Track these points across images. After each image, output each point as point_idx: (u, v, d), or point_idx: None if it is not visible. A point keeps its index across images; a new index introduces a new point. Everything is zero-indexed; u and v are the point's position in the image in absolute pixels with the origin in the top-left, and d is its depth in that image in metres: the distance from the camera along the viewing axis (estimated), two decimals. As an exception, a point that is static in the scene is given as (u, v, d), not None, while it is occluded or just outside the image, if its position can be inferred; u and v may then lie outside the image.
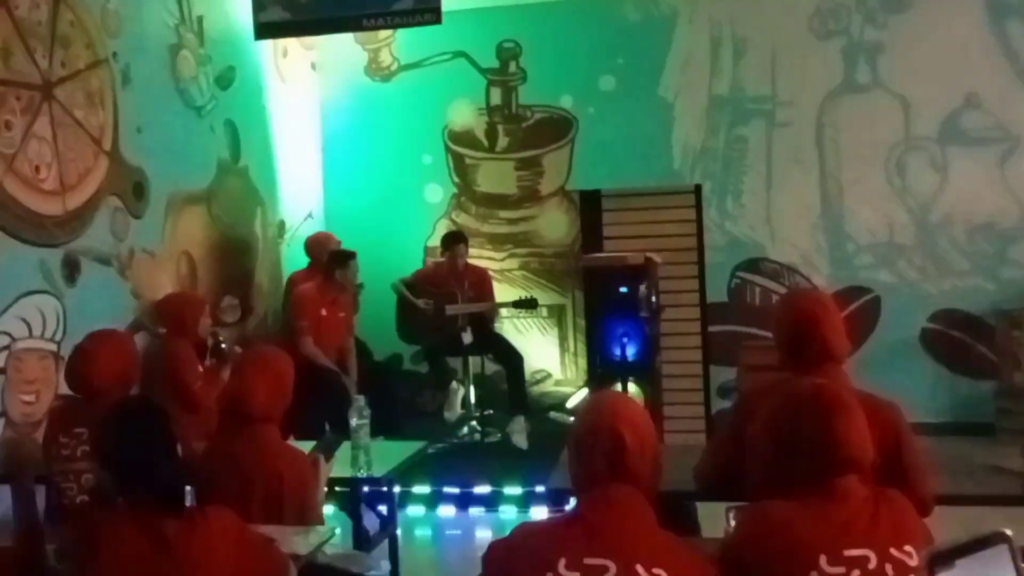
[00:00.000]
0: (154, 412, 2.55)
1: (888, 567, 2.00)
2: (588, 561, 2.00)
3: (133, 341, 4.09)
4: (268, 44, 7.18)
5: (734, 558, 2.13)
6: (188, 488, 2.97)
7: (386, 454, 4.15)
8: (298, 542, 2.93)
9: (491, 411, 6.99)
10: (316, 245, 7.21)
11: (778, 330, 3.12)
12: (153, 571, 2.35)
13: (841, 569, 2.00)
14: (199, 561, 2.39)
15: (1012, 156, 7.27)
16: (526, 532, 2.20)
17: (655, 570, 1.99)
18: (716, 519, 2.88)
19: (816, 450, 2.14)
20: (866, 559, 2.01)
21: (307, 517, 3.22)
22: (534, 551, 2.09)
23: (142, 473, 2.45)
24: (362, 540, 3.78)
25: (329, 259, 6.69)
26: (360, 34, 7.72)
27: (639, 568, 1.98)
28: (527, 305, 6.89)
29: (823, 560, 2.01)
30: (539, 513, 5.54)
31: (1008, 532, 1.54)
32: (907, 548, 2.04)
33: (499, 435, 6.78)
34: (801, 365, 2.95)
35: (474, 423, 6.95)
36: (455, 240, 7.05)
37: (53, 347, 5.04)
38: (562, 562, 2.01)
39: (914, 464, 2.83)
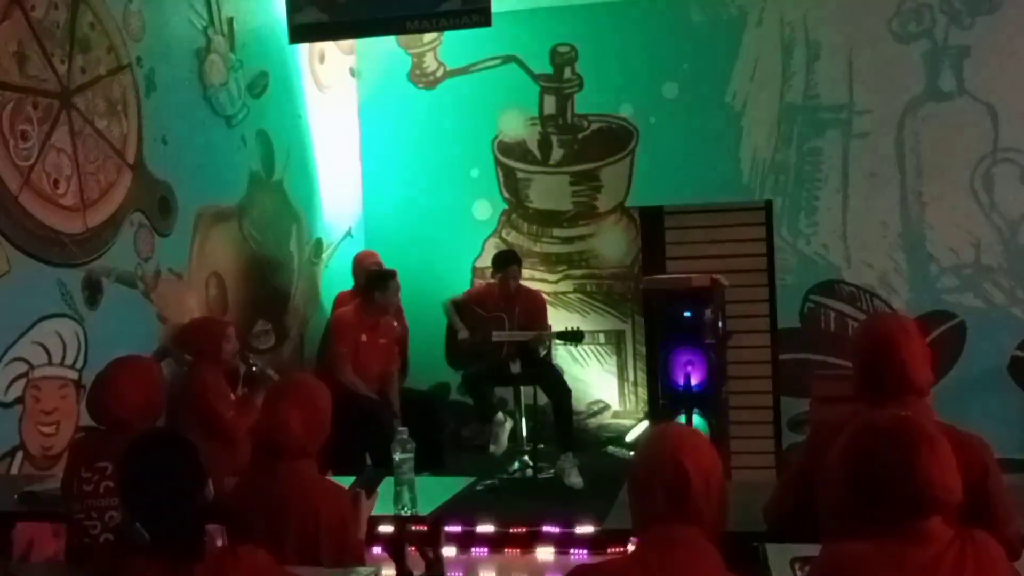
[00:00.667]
0: (181, 445, 2.53)
1: None
2: None
3: (159, 369, 4.08)
4: (303, 48, 7.25)
5: None
6: (218, 527, 2.95)
7: (431, 491, 4.11)
8: (339, 584, 2.89)
9: (543, 445, 6.93)
10: (356, 265, 7.24)
11: (855, 357, 3.12)
12: None
13: None
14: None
15: (1111, 169, 7.28)
16: (586, 574, 2.21)
17: None
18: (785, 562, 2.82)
19: (898, 489, 2.11)
20: None
21: (346, 558, 3.19)
22: None
23: (167, 512, 2.43)
24: (406, 583, 3.75)
25: (367, 280, 6.70)
26: (403, 37, 7.79)
27: None
28: (572, 337, 6.81)
29: None
30: (596, 555, 5.46)
31: None
32: None
33: (552, 471, 6.72)
34: (879, 396, 2.96)
35: (526, 458, 6.90)
36: (508, 261, 7.00)
37: (74, 375, 5.09)
38: None
39: (1002, 503, 2.84)
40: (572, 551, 5.74)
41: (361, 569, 3.15)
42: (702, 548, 2.12)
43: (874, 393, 2.98)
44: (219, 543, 2.77)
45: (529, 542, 5.84)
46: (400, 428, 4.07)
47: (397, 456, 3.85)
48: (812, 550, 2.38)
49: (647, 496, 2.18)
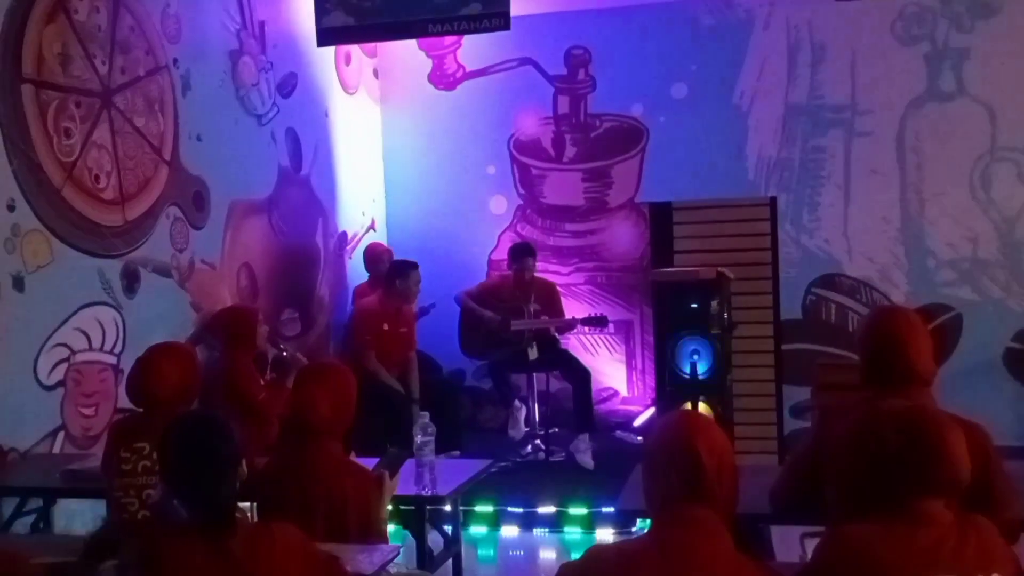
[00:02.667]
0: (217, 426, 2.54)
1: None
2: None
3: (195, 353, 4.10)
4: (330, 50, 7.27)
5: None
6: (251, 504, 2.99)
7: (449, 472, 4.14)
8: (362, 561, 2.91)
9: (555, 429, 6.95)
10: (372, 257, 7.25)
11: (862, 348, 3.11)
12: None
13: None
14: (264, 574, 2.39)
15: (1106, 168, 7.23)
16: (599, 555, 2.19)
17: None
18: (790, 543, 2.83)
19: (908, 469, 2.11)
20: None
21: (370, 535, 3.21)
22: (610, 574, 2.08)
23: (204, 489, 2.45)
24: (426, 559, 3.77)
25: (390, 270, 6.73)
26: (424, 40, 7.79)
27: None
28: (597, 323, 6.86)
29: None
30: (605, 534, 5.50)
31: None
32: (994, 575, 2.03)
33: (564, 454, 6.76)
34: (885, 386, 2.94)
35: (538, 441, 6.92)
36: (524, 253, 7.04)
37: (113, 359, 5.13)
38: None
39: (1002, 488, 2.83)
40: (584, 531, 5.77)
41: (384, 546, 3.16)
42: (715, 528, 2.10)
43: (880, 383, 2.97)
44: (251, 519, 2.82)
45: (543, 521, 5.87)
46: (421, 412, 4.11)
47: (419, 439, 3.89)
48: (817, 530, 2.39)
49: (661, 479, 2.16)
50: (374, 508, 3.28)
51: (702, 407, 6.15)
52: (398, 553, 3.19)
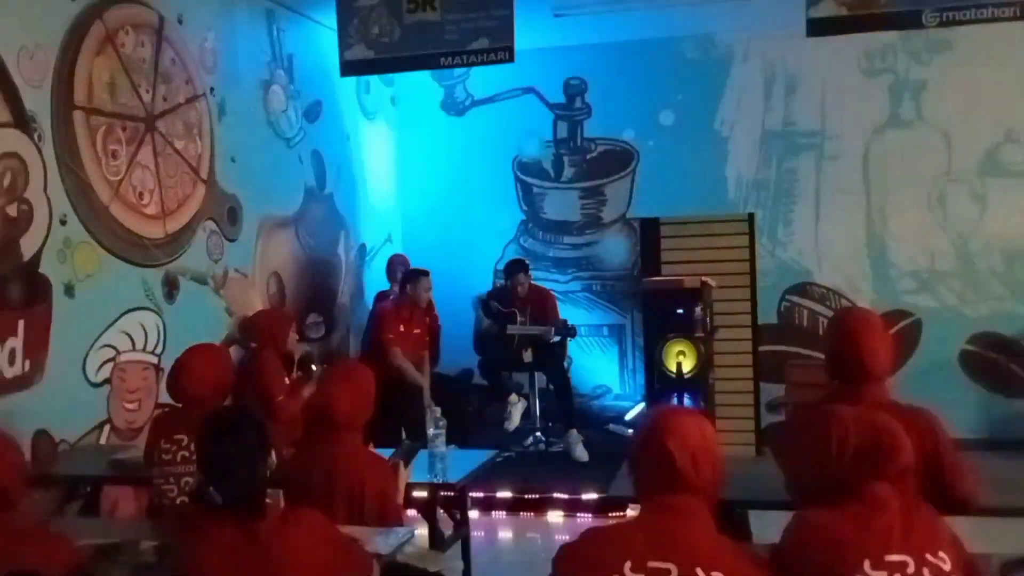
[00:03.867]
0: (250, 421, 2.52)
1: (925, 571, 1.98)
2: (651, 564, 1.97)
3: (228, 354, 4.11)
4: (352, 80, 7.24)
5: (782, 564, 2.08)
6: (278, 491, 2.96)
7: (459, 462, 4.11)
8: (379, 542, 2.90)
9: (553, 423, 6.93)
10: (389, 266, 7.24)
11: (825, 347, 3.09)
12: (249, 566, 2.33)
13: (883, 573, 1.97)
14: (292, 557, 2.37)
15: (1048, 188, 7.24)
16: (594, 536, 2.15)
17: (714, 573, 1.95)
18: (766, 526, 2.80)
19: (858, 461, 2.10)
20: (905, 564, 1.98)
21: (387, 519, 3.19)
22: (602, 554, 2.05)
23: (237, 478, 2.43)
24: (437, 541, 3.74)
25: (403, 277, 6.70)
26: (437, 71, 7.78)
27: (699, 571, 1.94)
28: (568, 332, 6.84)
29: (867, 564, 1.98)
30: (600, 519, 5.46)
31: None
32: (941, 555, 2.01)
33: (562, 445, 6.72)
34: (844, 381, 2.95)
35: (539, 434, 6.89)
36: (515, 270, 6.98)
37: (154, 359, 5.12)
38: (627, 565, 1.98)
39: (953, 465, 2.80)
40: (579, 515, 5.75)
41: (399, 529, 3.15)
42: (695, 513, 2.07)
43: (840, 378, 2.97)
44: (279, 505, 2.79)
45: (542, 507, 5.85)
46: (434, 407, 4.08)
47: (431, 431, 3.86)
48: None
49: (643, 472, 2.15)
50: (390, 494, 3.27)
51: (687, 403, 6.14)
52: (412, 535, 3.17)
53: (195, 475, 3.40)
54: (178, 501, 3.44)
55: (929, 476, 2.67)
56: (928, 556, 1.99)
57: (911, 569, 1.97)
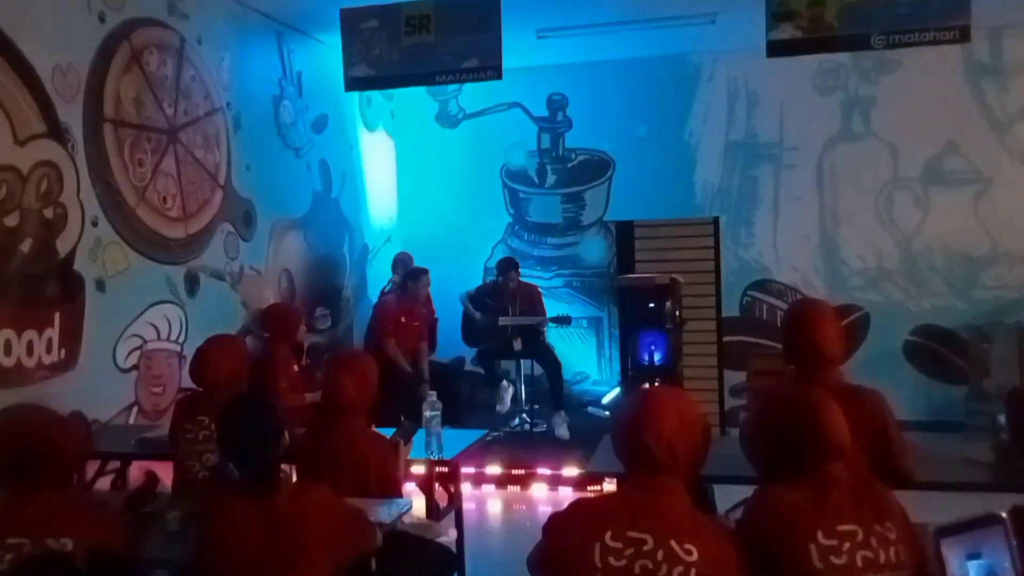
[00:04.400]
0: (266, 406, 2.55)
1: (872, 539, 2.01)
2: (630, 534, 1.99)
3: (245, 344, 4.11)
4: (355, 95, 7.25)
5: (746, 535, 2.11)
6: (292, 466, 2.99)
7: (452, 440, 4.12)
8: (382, 512, 2.92)
9: (538, 406, 6.94)
10: (394, 263, 7.25)
11: (784, 335, 3.08)
12: (265, 534, 2.35)
13: (835, 542, 2.00)
14: (305, 527, 2.39)
15: (984, 195, 7.25)
16: (579, 507, 2.17)
17: (686, 545, 1.97)
18: (729, 498, 2.81)
19: (801, 444, 2.13)
20: (855, 533, 2.01)
21: (389, 492, 3.20)
22: (586, 523, 2.07)
23: (254, 455, 2.46)
24: (433, 512, 3.76)
25: (405, 274, 6.71)
26: (431, 87, 7.78)
27: (673, 543, 1.97)
28: (563, 321, 6.85)
29: (820, 535, 2.01)
30: (580, 492, 5.48)
31: (1003, 515, 1.48)
32: (887, 524, 2.04)
33: (545, 426, 6.74)
34: (800, 365, 2.94)
35: (524, 416, 6.90)
36: (506, 267, 6.98)
37: (177, 348, 5.13)
38: (608, 534, 2.00)
39: (896, 442, 2.81)
40: (560, 488, 5.77)
41: (399, 500, 3.17)
42: (672, 491, 2.08)
43: (796, 363, 2.96)
44: (292, 479, 2.82)
45: (528, 481, 5.87)
46: (430, 392, 4.10)
47: (428, 413, 3.87)
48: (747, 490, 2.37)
49: (623, 453, 2.16)
50: (392, 469, 3.28)
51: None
52: (411, 506, 3.18)
53: (215, 453, 3.44)
54: (200, 476, 3.45)
55: (876, 451, 2.69)
56: (875, 526, 2.02)
57: (860, 538, 2.00)
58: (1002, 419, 3.12)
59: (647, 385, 5.87)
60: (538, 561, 2.12)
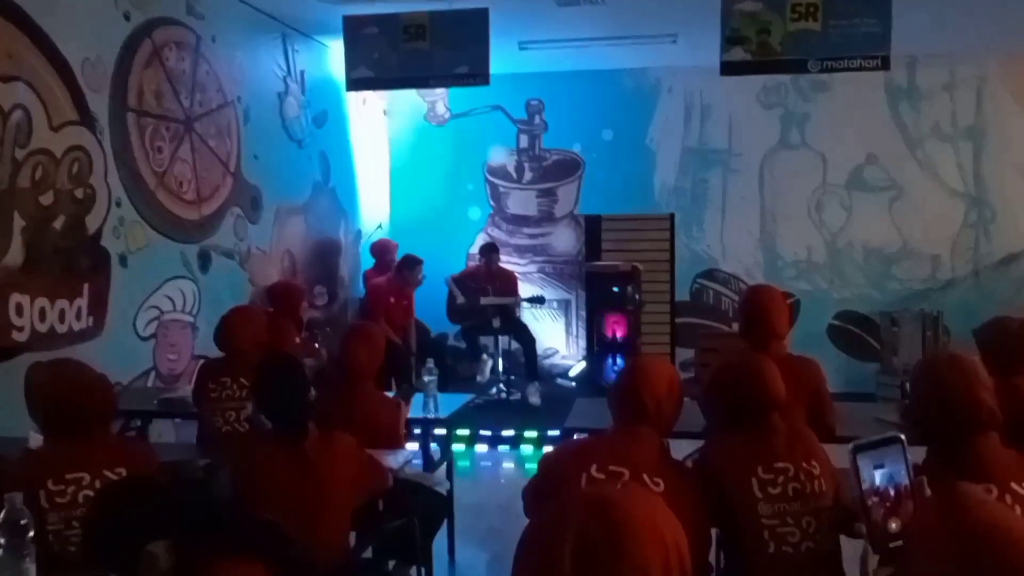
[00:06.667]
0: (296, 364, 2.56)
1: (801, 475, 2.17)
2: (611, 468, 2.11)
3: (263, 314, 4.07)
4: (353, 94, 7.15)
5: (702, 472, 2.25)
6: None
7: (444, 403, 4.05)
8: (390, 460, 2.96)
9: (513, 377, 6.98)
10: (381, 249, 7.20)
11: (740, 312, 3.27)
12: (295, 475, 2.38)
13: (772, 476, 2.16)
14: (330, 469, 2.43)
15: (898, 201, 7.45)
16: (570, 444, 2.34)
17: (655, 479, 2.09)
18: (678, 450, 2.90)
19: (747, 397, 2.26)
20: (788, 469, 2.17)
21: (394, 444, 3.25)
22: (575, 457, 2.19)
23: (284, 407, 2.48)
24: (428, 463, 3.78)
25: (402, 261, 6.66)
26: (422, 89, 7.71)
27: (645, 476, 2.09)
28: (537, 301, 6.90)
29: (759, 470, 2.17)
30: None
31: (902, 436, 1.71)
32: (813, 463, 2.20)
33: (519, 395, 6.77)
34: (754, 338, 3.09)
35: (501, 385, 6.93)
36: (490, 250, 7.03)
37: (191, 319, 5.08)
38: (594, 467, 2.11)
39: (827, 401, 3.05)
40: (529, 447, 5.81)
41: (404, 451, 3.23)
42: (650, 438, 2.20)
43: (751, 336, 3.12)
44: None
45: (508, 440, 5.93)
46: (427, 359, 4.11)
47: (425, 378, 3.88)
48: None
49: (619, 405, 2.25)
50: (395, 425, 3.33)
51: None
52: (415, 456, 3.23)
53: (237, 410, 3.44)
54: (223, 431, 3.44)
55: (810, 408, 2.88)
56: (804, 464, 2.18)
57: (791, 473, 2.16)
58: (908, 387, 3.26)
59: (644, 354, 5.93)
60: (533, 490, 2.22)
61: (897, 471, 1.68)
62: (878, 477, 1.67)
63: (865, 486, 1.66)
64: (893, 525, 1.64)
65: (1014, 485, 1.83)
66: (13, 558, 1.91)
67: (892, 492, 1.66)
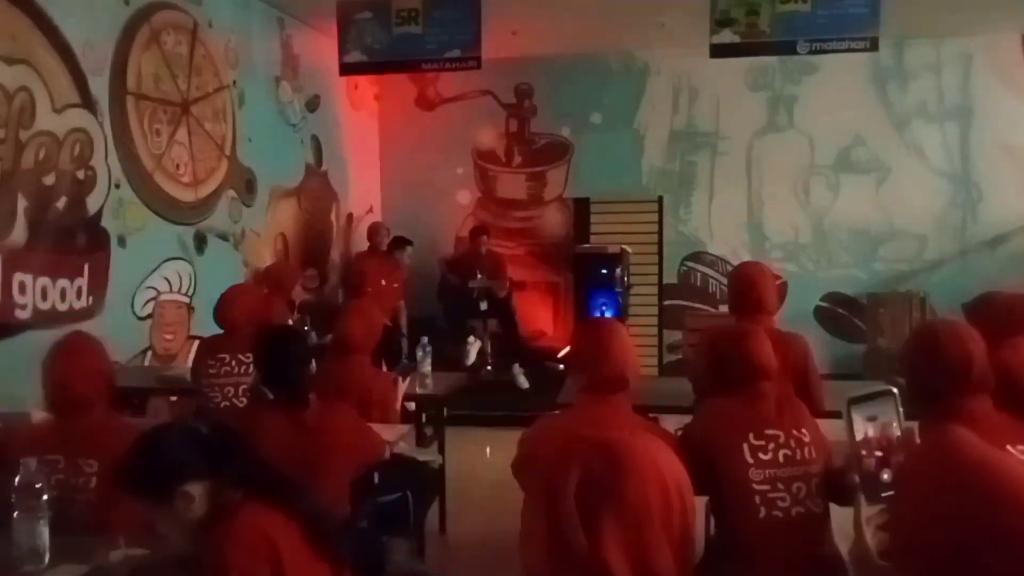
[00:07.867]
0: (297, 335, 2.66)
1: (791, 441, 2.21)
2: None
3: (261, 293, 4.16)
4: (344, 79, 7.17)
5: (693, 436, 2.29)
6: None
7: (438, 381, 4.19)
8: (385, 433, 3.04)
9: (502, 359, 7.06)
10: (372, 232, 7.25)
11: (730, 288, 3.33)
12: (295, 442, 2.47)
13: (763, 442, 2.20)
14: (330, 437, 2.52)
15: (884, 182, 7.43)
16: (549, 420, 2.41)
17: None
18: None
19: (738, 363, 2.31)
20: (778, 436, 2.21)
21: (389, 418, 3.34)
22: (554, 431, 2.29)
23: (286, 377, 2.57)
24: (422, 438, 3.86)
25: (392, 243, 6.72)
26: (413, 74, 7.68)
27: (627, 435, 2.15)
28: (520, 285, 6.96)
29: (751, 436, 2.20)
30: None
31: (894, 389, 1.76)
32: (803, 431, 2.24)
33: (507, 377, 6.83)
34: (744, 313, 3.16)
35: (489, 367, 6.98)
36: (479, 233, 7.07)
37: (186, 300, 5.15)
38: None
39: (815, 376, 3.10)
40: (516, 428, 5.80)
41: (397, 426, 3.32)
42: (622, 402, 2.31)
43: (741, 311, 3.19)
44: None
45: (491, 422, 5.88)
46: (422, 338, 4.20)
47: (419, 355, 3.99)
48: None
49: (589, 372, 2.33)
50: (390, 400, 3.42)
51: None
52: (409, 430, 3.32)
53: (235, 386, 3.54)
54: (222, 405, 3.53)
55: (799, 383, 2.90)
56: (793, 431, 2.23)
57: (781, 439, 2.21)
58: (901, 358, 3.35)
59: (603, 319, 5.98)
60: (520, 464, 2.30)
61: (889, 423, 1.72)
62: (871, 429, 1.71)
63: (858, 437, 1.70)
64: (885, 475, 1.67)
65: (1008, 447, 1.83)
66: (29, 520, 2.01)
67: (885, 443, 1.70)
